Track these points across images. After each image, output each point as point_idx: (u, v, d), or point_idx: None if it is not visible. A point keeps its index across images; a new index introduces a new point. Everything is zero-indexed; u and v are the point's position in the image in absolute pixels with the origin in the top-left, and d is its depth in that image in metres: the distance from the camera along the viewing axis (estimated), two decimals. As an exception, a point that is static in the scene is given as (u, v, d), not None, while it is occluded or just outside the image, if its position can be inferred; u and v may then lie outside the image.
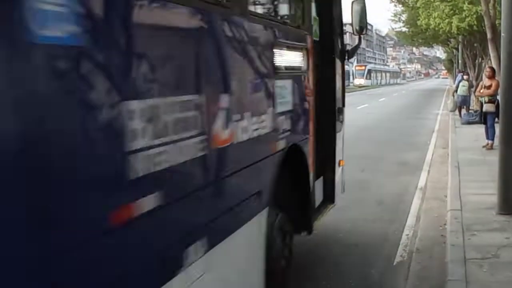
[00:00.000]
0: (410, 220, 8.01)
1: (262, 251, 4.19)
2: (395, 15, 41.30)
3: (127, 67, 2.43)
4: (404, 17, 42.23)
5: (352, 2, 6.31)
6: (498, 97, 12.67)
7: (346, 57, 6.65)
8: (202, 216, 3.18)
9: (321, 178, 6.04)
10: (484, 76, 15.97)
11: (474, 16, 25.82)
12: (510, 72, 7.38)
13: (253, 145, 3.89)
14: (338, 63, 6.29)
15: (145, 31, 2.61)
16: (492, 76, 13.82)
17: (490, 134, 13.40)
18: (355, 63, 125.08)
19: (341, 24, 6.47)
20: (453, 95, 22.54)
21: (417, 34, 44.73)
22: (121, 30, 2.41)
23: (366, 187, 10.26)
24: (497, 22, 15.43)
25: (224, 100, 3.38)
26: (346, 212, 8.43)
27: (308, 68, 5.29)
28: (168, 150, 2.67)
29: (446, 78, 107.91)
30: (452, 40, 47.40)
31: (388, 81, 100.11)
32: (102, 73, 2.23)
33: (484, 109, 13.78)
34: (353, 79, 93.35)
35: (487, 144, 13.40)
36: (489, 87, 13.63)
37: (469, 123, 18.72)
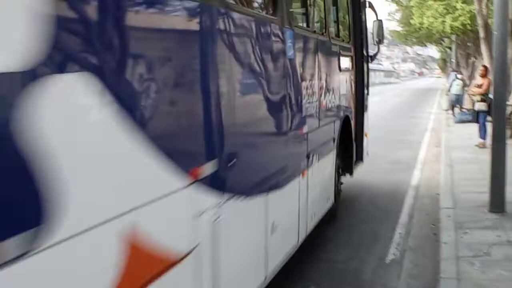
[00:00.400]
0: (403, 218, 8.03)
1: (334, 172, 7.28)
2: (389, 14, 41.41)
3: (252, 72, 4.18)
4: (398, 16, 42.35)
5: (374, 21, 9.53)
6: (491, 96, 12.77)
7: (370, 60, 9.45)
8: (316, 142, 5.97)
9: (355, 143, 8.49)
10: (477, 75, 16.02)
11: (468, 15, 25.95)
12: (503, 70, 7.42)
13: (334, 111, 7.04)
14: (365, 65, 9.04)
15: (264, 52, 4.37)
16: (485, 75, 13.82)
17: (482, 133, 13.42)
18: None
19: (366, 37, 9.10)
20: (447, 94, 22.56)
21: (411, 33, 44.87)
22: (236, 49, 3.81)
23: (359, 185, 10.28)
24: (490, 21, 15.47)
25: (325, 86, 6.37)
26: (339, 210, 8.48)
27: (352, 68, 8.28)
28: (309, 108, 5.65)
29: (440, 77, 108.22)
30: (445, 39, 47.59)
31: (382, 80, 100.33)
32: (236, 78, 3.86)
33: (476, 108, 13.78)
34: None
35: (480, 143, 13.42)
36: (480, 86, 13.64)
37: (462, 122, 18.75)
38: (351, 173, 8.38)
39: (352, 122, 8.14)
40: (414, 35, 44.68)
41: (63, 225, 1.97)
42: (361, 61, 8.74)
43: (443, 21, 27.43)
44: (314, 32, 6.11)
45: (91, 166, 2.18)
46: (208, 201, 3.20)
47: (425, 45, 68.91)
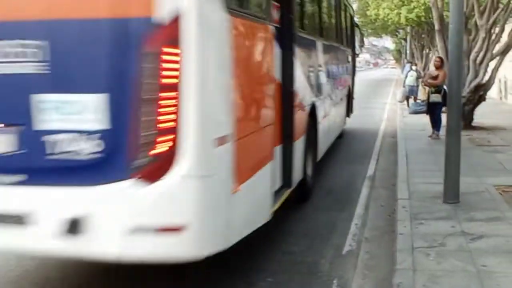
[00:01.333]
0: (359, 209, 8.06)
1: (346, 107, 14.52)
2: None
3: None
4: (354, 7, 42.57)
5: (357, 34, 17.20)
6: (445, 87, 12.92)
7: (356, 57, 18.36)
8: (345, 93, 13.90)
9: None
10: (431, 66, 16.21)
11: (422, 7, 26.30)
12: (457, 63, 7.49)
13: (348, 81, 14.85)
14: (354, 59, 17.07)
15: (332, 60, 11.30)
16: (440, 66, 13.87)
17: (437, 125, 13.58)
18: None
19: (354, 41, 16.52)
20: (404, 86, 22.80)
21: (366, 24, 45.23)
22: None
23: (315, 175, 10.31)
24: (444, 13, 15.67)
25: (346, 69, 13.85)
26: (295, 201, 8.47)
27: (351, 61, 15.75)
28: (344, 79, 13.72)
29: (395, 68, 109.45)
30: (400, 30, 48.21)
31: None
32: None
33: (430, 100, 13.91)
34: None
35: (433, 133, 13.61)
36: (435, 77, 13.69)
37: (416, 112, 18.96)
38: (349, 115, 15.31)
39: (352, 92, 16.04)
40: (370, 26, 45.13)
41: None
42: (353, 57, 16.66)
43: (399, 13, 27.73)
44: (348, 46, 14.67)
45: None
46: (320, 114, 9.00)
47: (381, 36, 69.73)
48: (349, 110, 15.00)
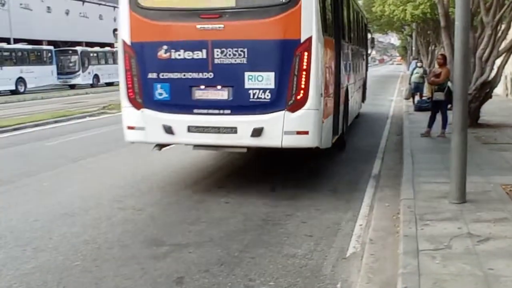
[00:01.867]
0: (364, 209, 7.95)
1: (362, 93, 19.79)
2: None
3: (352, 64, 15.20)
4: (360, 3, 42.36)
5: (370, 38, 23.08)
6: (449, 84, 12.76)
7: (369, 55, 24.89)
8: (363, 82, 19.57)
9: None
10: (435, 63, 16.04)
11: (428, 3, 26.08)
12: (464, 61, 7.35)
13: (364, 74, 20.08)
14: (367, 58, 22.85)
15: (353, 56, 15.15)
16: (443, 63, 13.72)
17: (443, 123, 13.43)
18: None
19: (367, 43, 21.95)
20: (410, 84, 22.64)
21: (372, 21, 44.95)
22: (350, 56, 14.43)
23: (320, 174, 10.21)
24: (450, 10, 15.49)
25: (361, 71, 18.65)
26: (300, 199, 8.38)
27: (366, 59, 21.45)
28: (362, 72, 19.35)
29: (400, 64, 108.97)
30: (406, 27, 47.94)
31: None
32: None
33: (434, 98, 13.77)
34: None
35: (440, 132, 13.44)
36: (439, 75, 13.54)
37: (421, 110, 18.84)
38: (363, 101, 20.10)
39: (365, 83, 20.62)
40: (375, 22, 44.88)
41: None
42: (367, 56, 21.63)
43: (404, 9, 27.53)
44: (364, 47, 19.89)
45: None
46: (350, 94, 13.36)
47: (386, 33, 69.43)
48: (364, 97, 20.35)
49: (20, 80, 39.43)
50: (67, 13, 56.81)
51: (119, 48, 9.05)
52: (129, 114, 9.09)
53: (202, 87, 8.53)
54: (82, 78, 46.52)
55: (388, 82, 45.03)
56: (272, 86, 8.12)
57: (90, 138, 15.80)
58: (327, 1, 9.54)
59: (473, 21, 14.71)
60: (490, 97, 15.67)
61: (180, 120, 8.67)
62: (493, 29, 14.42)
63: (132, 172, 10.73)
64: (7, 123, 18.57)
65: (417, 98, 21.84)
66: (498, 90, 21.97)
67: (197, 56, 8.44)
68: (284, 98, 8.13)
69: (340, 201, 8.38)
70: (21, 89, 39.34)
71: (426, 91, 21.33)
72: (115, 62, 47.33)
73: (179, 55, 8.54)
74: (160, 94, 8.75)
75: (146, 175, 10.40)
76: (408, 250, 5.62)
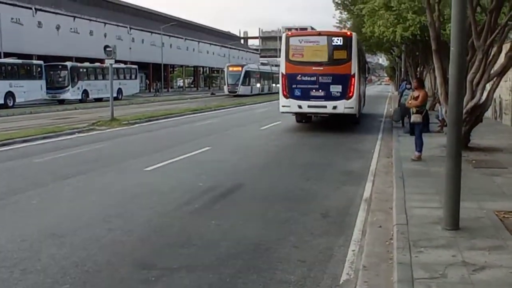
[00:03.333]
0: (356, 234, 7.87)
1: (362, 102, 29.64)
2: (340, 21, 41.61)
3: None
4: (349, 24, 42.60)
5: (367, 64, 43.15)
6: (436, 107, 12.78)
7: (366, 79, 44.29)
8: (364, 93, 32.57)
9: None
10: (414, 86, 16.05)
11: (418, 25, 26.21)
12: (459, 85, 7.34)
13: (364, 90, 31.25)
14: (366, 80, 40.59)
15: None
16: (418, 86, 13.99)
17: (418, 145, 13.53)
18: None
19: (366, 70, 38.82)
20: (399, 105, 22.80)
21: (361, 41, 45.30)
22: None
23: (311, 198, 10.13)
24: (441, 32, 15.57)
25: (364, 85, 32.90)
26: (292, 223, 8.29)
27: (365, 81, 37.19)
28: (364, 89, 33.32)
29: (388, 84, 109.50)
30: (395, 48, 48.23)
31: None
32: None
33: (411, 120, 13.86)
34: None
35: (416, 156, 13.47)
36: (416, 98, 13.71)
37: (410, 133, 18.83)
38: (363, 106, 29.40)
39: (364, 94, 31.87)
40: (365, 43, 45.14)
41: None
42: (365, 78, 36.99)
43: (394, 31, 27.67)
44: (365, 74, 34.32)
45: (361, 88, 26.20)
46: (363, 95, 29.68)
47: (375, 53, 69.90)
48: (363, 104, 29.43)
49: (9, 94, 39.26)
50: (58, 28, 56.79)
51: (280, 74, 23.05)
52: (283, 100, 22.34)
53: (314, 90, 21.70)
54: (71, 93, 46.51)
55: (377, 103, 45.28)
56: (340, 90, 21.39)
57: (79, 155, 15.65)
58: (358, 59, 22.72)
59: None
60: (481, 120, 15.73)
61: (304, 103, 21.94)
62: (484, 53, 14.50)
63: (121, 191, 10.62)
64: (-5, 138, 18.37)
65: (406, 120, 21.86)
66: (487, 112, 22.06)
67: (312, 79, 21.69)
68: (344, 94, 21.33)
69: (332, 225, 8.30)
70: (10, 103, 39.16)
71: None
72: (104, 78, 47.48)
73: (304, 78, 21.78)
74: (296, 93, 21.96)
75: (136, 194, 10.29)
76: (403, 279, 5.54)
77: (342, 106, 21.52)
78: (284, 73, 22.25)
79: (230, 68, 69.05)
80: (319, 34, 23.07)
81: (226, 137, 20.80)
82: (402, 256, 6.24)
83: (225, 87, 69.10)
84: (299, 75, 21.77)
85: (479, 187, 10.07)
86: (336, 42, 22.06)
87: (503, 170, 11.95)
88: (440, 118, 19.78)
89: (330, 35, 22.68)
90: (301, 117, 25.16)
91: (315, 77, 21.53)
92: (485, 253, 6.33)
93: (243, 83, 66.44)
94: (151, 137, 21.04)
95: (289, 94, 22.04)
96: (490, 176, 11.29)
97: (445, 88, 14.39)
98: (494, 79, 15.26)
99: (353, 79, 21.43)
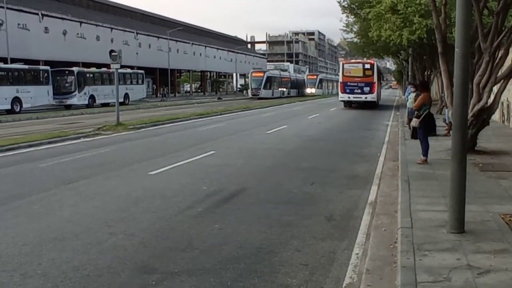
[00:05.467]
0: (360, 237, 7.79)
1: (379, 97, 57.15)
2: (347, 25, 41.54)
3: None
4: (356, 28, 42.54)
5: (381, 74, 78.49)
6: (435, 111, 12.70)
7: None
8: (380, 96, 59.08)
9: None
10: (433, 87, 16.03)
11: (424, 29, 26.13)
12: (464, 87, 7.25)
13: (379, 91, 56.17)
14: (380, 82, 64.22)
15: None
16: (421, 89, 14.04)
17: (423, 149, 13.49)
18: (307, 72, 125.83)
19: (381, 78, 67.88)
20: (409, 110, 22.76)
21: (368, 45, 45.38)
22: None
23: (315, 201, 10.05)
24: (447, 35, 15.47)
25: (380, 87, 60.88)
26: (295, 227, 8.21)
27: (380, 85, 67.23)
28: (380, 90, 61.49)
29: (396, 88, 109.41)
30: (402, 52, 48.34)
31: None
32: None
33: (412, 124, 13.85)
34: (306, 88, 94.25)
35: (421, 160, 13.40)
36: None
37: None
38: (379, 100, 53.19)
39: (380, 93, 56.91)
40: (372, 47, 45.26)
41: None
42: (380, 84, 64.88)
43: (401, 34, 27.58)
44: (380, 81, 59.93)
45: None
46: (380, 91, 60.12)
47: (382, 57, 69.93)
48: (379, 97, 51.63)
49: (16, 100, 39.39)
50: (64, 33, 57.02)
51: (339, 82, 49.10)
52: (341, 94, 46.92)
53: (355, 89, 45.83)
54: (78, 99, 46.63)
55: (384, 107, 46.57)
56: (368, 90, 45.68)
57: (84, 160, 15.62)
58: (377, 74, 49.31)
59: (471, 47, 14.66)
60: (488, 124, 15.59)
61: (351, 95, 46.20)
62: (491, 56, 14.38)
63: (124, 195, 10.58)
64: (1, 143, 18.39)
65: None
66: (494, 116, 21.95)
67: (354, 84, 45.73)
68: (370, 91, 45.71)
69: (335, 229, 8.22)
70: (17, 108, 39.31)
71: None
72: (111, 83, 47.58)
73: (351, 84, 45.78)
74: (347, 90, 46.09)
75: (139, 198, 10.24)
76: (406, 282, 5.45)
77: (370, 97, 45.27)
78: (341, 81, 46.55)
79: (254, 74, 78.91)
80: (358, 62, 50.39)
81: (231, 141, 20.69)
82: (406, 260, 6.15)
83: (249, 91, 79.59)
84: (348, 82, 45.68)
85: (486, 190, 9.96)
86: (366, 66, 46.70)
87: (510, 174, 11.82)
88: (447, 121, 19.66)
89: (363, 63, 48.77)
90: (348, 104, 47.20)
91: (356, 83, 45.33)
92: (490, 256, 6.23)
93: (265, 87, 75.75)
94: (156, 141, 20.99)
95: (344, 91, 45.96)
96: (497, 179, 11.17)
97: (451, 91, 14.27)
98: (501, 81, 15.13)
99: (374, 84, 45.67)
